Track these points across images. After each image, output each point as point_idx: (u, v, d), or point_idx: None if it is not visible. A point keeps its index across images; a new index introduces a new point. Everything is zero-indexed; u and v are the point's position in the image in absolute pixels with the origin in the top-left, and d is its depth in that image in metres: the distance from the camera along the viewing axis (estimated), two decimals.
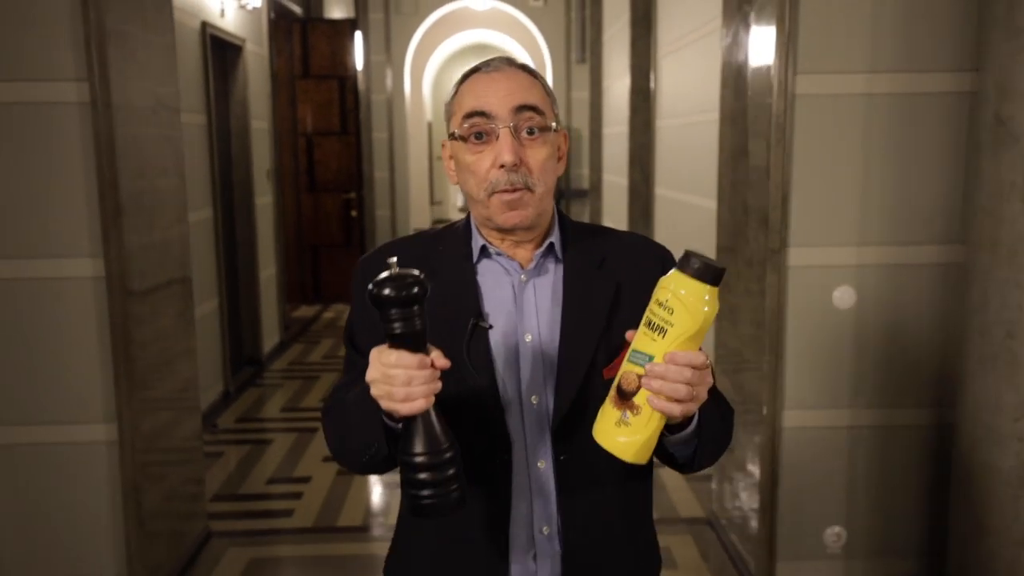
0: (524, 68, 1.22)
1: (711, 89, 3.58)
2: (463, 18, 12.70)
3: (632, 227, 5.81)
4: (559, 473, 1.19)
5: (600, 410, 1.08)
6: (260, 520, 3.49)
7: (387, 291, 0.99)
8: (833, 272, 2.66)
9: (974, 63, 2.46)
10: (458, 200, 16.16)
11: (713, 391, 1.17)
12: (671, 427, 1.12)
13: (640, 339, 1.04)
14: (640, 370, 1.03)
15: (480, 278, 1.23)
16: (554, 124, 1.21)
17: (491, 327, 1.20)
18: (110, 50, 2.51)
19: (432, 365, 1.03)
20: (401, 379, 1.01)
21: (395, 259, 1.02)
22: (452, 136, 1.22)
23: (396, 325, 1.00)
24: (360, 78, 7.97)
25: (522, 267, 1.24)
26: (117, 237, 2.58)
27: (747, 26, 2.85)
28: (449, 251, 1.25)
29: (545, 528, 1.21)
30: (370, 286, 1.00)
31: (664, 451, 1.17)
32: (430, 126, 15.03)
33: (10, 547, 2.67)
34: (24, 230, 2.56)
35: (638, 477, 1.24)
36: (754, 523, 2.85)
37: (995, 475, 2.34)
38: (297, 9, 7.58)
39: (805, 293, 2.66)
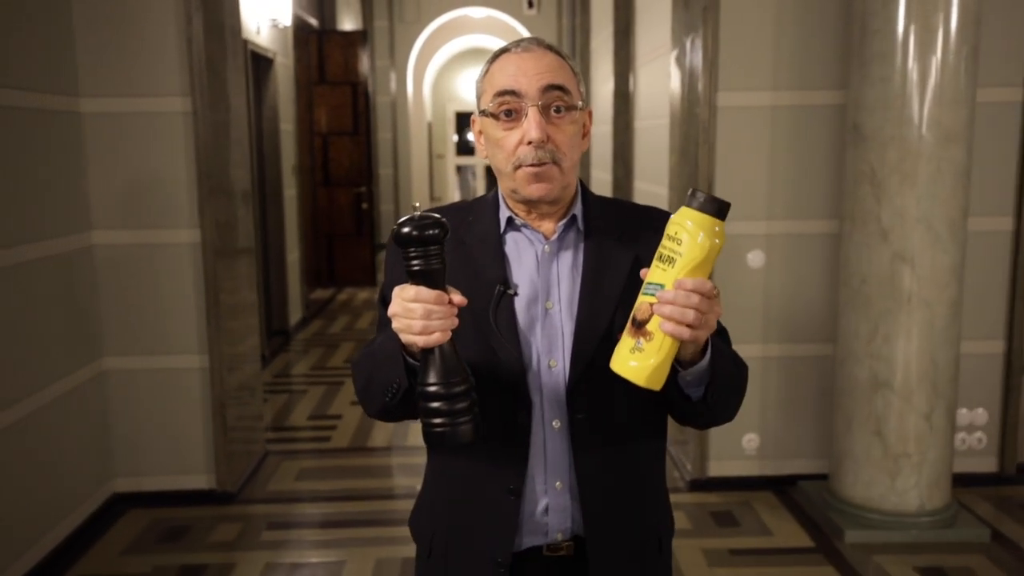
0: (552, 49, 1.27)
1: (667, 98, 4.45)
2: (461, 25, 13.54)
3: None
4: (574, 432, 1.25)
5: (618, 343, 1.13)
6: (305, 443, 4.36)
7: (409, 230, 1.07)
8: (747, 239, 3.53)
9: (842, 83, 3.34)
10: (452, 192, 17.00)
11: (726, 345, 1.28)
12: (685, 363, 1.17)
13: (653, 272, 1.10)
14: (652, 299, 1.08)
15: (507, 248, 1.30)
16: (580, 103, 1.26)
17: (516, 294, 1.26)
18: (206, 73, 3.37)
19: (450, 302, 1.10)
20: (419, 312, 1.08)
21: (418, 203, 1.13)
22: (483, 113, 1.28)
23: (416, 262, 1.08)
24: (368, 83, 8.83)
25: (546, 238, 1.30)
26: (208, 214, 3.44)
27: (684, 52, 3.72)
28: (478, 222, 1.32)
29: (558, 483, 1.27)
30: (394, 227, 1.09)
31: (681, 396, 1.21)
32: (430, 126, 15.88)
33: (126, 449, 3.53)
34: (144, 209, 3.42)
35: (649, 438, 1.32)
36: (689, 433, 3.73)
37: (856, 384, 3.23)
38: (314, 21, 8.43)
39: (727, 256, 3.52)
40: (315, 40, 8.41)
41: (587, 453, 1.26)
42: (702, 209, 1.06)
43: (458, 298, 1.11)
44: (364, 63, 8.72)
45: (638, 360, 1.09)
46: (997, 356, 3.64)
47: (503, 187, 1.30)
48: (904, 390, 3.13)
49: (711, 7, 3.42)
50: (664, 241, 1.09)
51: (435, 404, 1.10)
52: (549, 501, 1.27)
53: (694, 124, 3.59)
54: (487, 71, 1.28)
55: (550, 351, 1.26)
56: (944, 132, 3.00)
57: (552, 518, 1.27)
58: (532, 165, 1.22)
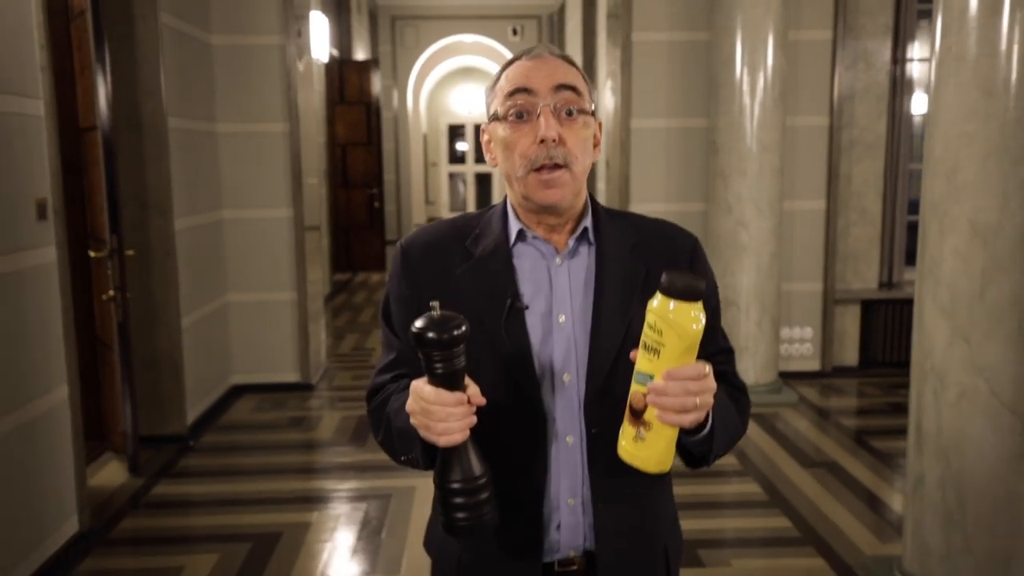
0: (564, 57, 1.26)
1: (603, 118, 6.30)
2: (454, 48, 15.39)
3: None
4: (590, 447, 1.24)
5: (621, 429, 1.13)
6: (353, 362, 6.16)
7: (430, 334, 1.04)
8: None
9: (705, 113, 5.19)
10: (444, 197, 18.83)
11: (725, 373, 1.30)
12: (686, 431, 1.14)
13: (640, 360, 1.09)
14: (644, 389, 1.07)
15: (517, 261, 1.27)
16: (592, 107, 1.25)
17: (527, 308, 1.24)
18: (296, 108, 5.19)
19: (468, 402, 1.09)
20: (439, 415, 1.07)
21: (437, 303, 1.08)
22: (494, 117, 1.26)
23: (437, 366, 1.06)
24: (379, 102, 10.66)
25: (557, 251, 1.27)
26: (298, 199, 5.25)
27: (611, 89, 5.56)
28: (487, 234, 1.29)
29: (571, 500, 1.25)
30: (413, 327, 1.06)
31: (681, 448, 1.20)
32: (425, 138, 17.71)
33: (241, 355, 5.33)
34: (255, 195, 5.22)
35: None
36: None
37: None
38: (335, 52, 10.27)
39: None
40: (336, 68, 10.24)
41: (601, 468, 1.24)
42: (680, 296, 1.05)
43: (477, 398, 1.10)
44: (376, 86, 10.55)
45: (644, 451, 1.10)
46: (818, 293, 5.50)
47: (513, 196, 1.28)
48: (743, 307, 4.96)
49: (626, 62, 5.28)
50: (646, 330, 1.07)
51: (457, 500, 1.10)
52: (561, 518, 1.26)
53: (616, 140, 5.44)
54: (499, 77, 1.27)
55: (564, 365, 1.24)
56: (763, 145, 4.84)
57: (564, 535, 1.26)
58: (544, 167, 1.20)
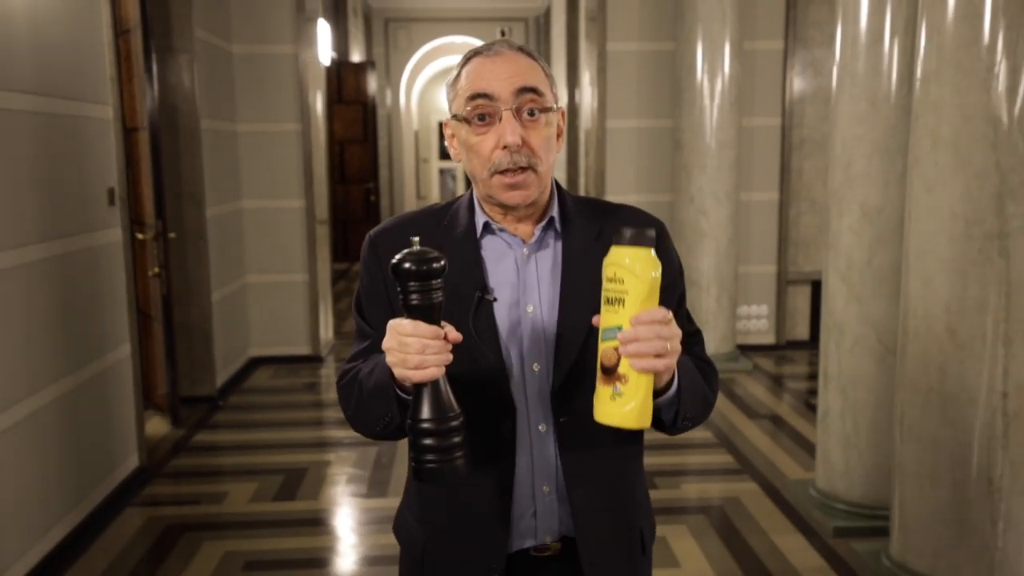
0: (523, 50, 1.25)
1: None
2: (445, 49, 16.01)
3: None
4: (560, 435, 1.25)
5: (595, 395, 1.13)
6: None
7: (408, 265, 1.05)
8: None
9: (672, 115, 5.85)
10: (435, 192, 19.46)
11: (695, 354, 1.31)
12: (656, 391, 1.15)
13: (605, 317, 1.10)
14: (615, 343, 1.09)
15: (484, 252, 1.28)
16: (553, 104, 1.24)
17: (495, 299, 1.25)
18: (308, 109, 5.83)
19: (445, 338, 1.09)
20: (415, 347, 1.07)
21: (417, 238, 1.09)
22: (455, 117, 1.25)
23: (414, 297, 1.06)
24: (374, 102, 11.29)
25: (524, 242, 1.28)
26: (310, 191, 5.89)
27: (589, 93, 6.22)
28: (454, 227, 1.30)
29: (546, 487, 1.27)
30: (393, 260, 1.06)
31: (654, 419, 1.19)
32: (416, 134, 18.33)
33: (258, 330, 5.96)
34: (271, 187, 5.86)
35: (631, 437, 1.31)
36: None
37: None
38: (334, 54, 10.88)
39: None
40: (335, 69, 10.85)
41: (574, 455, 1.26)
42: (633, 243, 1.08)
43: (453, 334, 1.10)
44: (371, 86, 11.18)
45: (621, 405, 1.10)
46: (772, 274, 6.18)
47: (479, 192, 1.28)
48: (704, 286, 5.63)
49: (602, 69, 5.94)
50: (606, 284, 1.10)
51: (428, 440, 1.09)
52: (537, 505, 1.27)
53: (593, 138, 6.10)
54: (458, 74, 1.26)
55: (533, 354, 1.25)
56: (721, 143, 5.51)
57: (540, 521, 1.28)
58: (508, 171, 1.20)
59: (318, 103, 6.20)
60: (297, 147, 5.86)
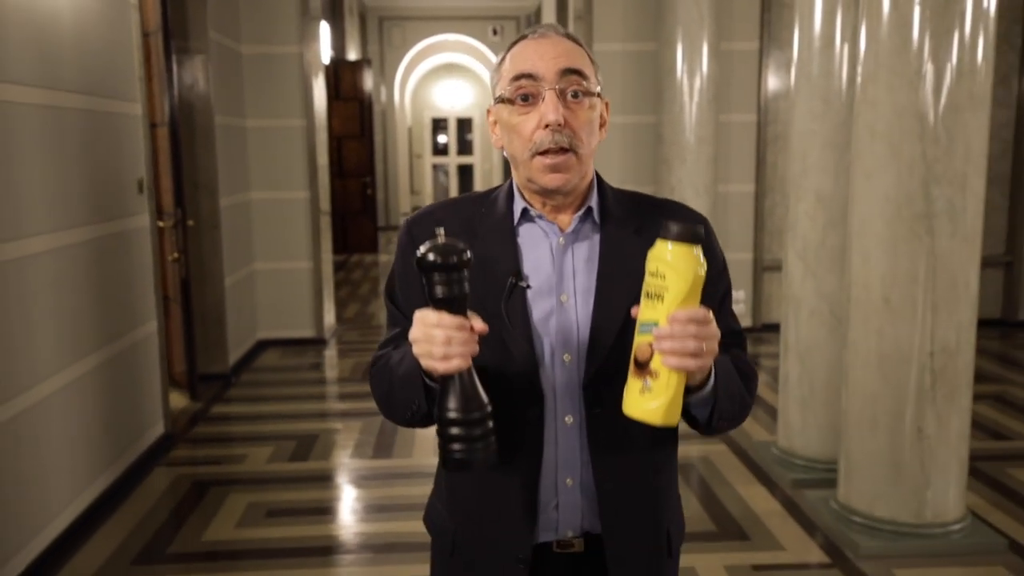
0: (569, 36, 1.25)
1: None
2: (437, 46, 16.39)
3: None
4: (590, 428, 1.24)
5: (626, 387, 1.12)
6: (356, 324, 7.17)
7: (433, 257, 1.07)
8: None
9: (656, 111, 6.24)
10: (428, 187, 19.83)
11: (734, 355, 1.29)
12: (690, 388, 1.14)
13: (644, 311, 1.10)
14: (650, 338, 1.08)
15: (520, 240, 1.27)
16: (598, 89, 1.24)
17: (529, 287, 1.24)
18: (312, 106, 6.19)
19: (471, 329, 1.09)
20: (441, 339, 1.07)
21: (442, 229, 1.10)
22: (499, 99, 1.25)
23: (439, 288, 1.08)
24: (370, 99, 11.65)
25: (561, 230, 1.27)
26: (314, 183, 6.26)
27: None
28: (492, 213, 1.29)
29: (569, 480, 1.26)
30: (418, 252, 1.08)
31: (687, 413, 1.20)
32: (410, 131, 18.69)
33: (266, 314, 6.33)
34: (278, 179, 6.22)
35: (663, 436, 1.28)
36: None
37: None
38: (332, 53, 11.23)
39: None
40: (332, 67, 11.21)
41: (602, 449, 1.24)
42: (678, 239, 1.06)
43: (479, 325, 1.11)
44: (367, 83, 11.54)
45: (650, 401, 1.09)
46: (749, 261, 6.57)
47: (518, 177, 1.27)
48: None
49: None
50: (647, 278, 1.09)
51: (454, 431, 1.11)
52: (560, 498, 1.26)
53: None
54: (504, 58, 1.26)
55: (565, 345, 1.24)
56: (699, 138, 5.90)
57: (562, 515, 1.27)
58: (549, 151, 1.19)
59: (321, 100, 6.56)
60: (302, 142, 6.23)
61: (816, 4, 3.59)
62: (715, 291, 1.27)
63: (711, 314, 1.08)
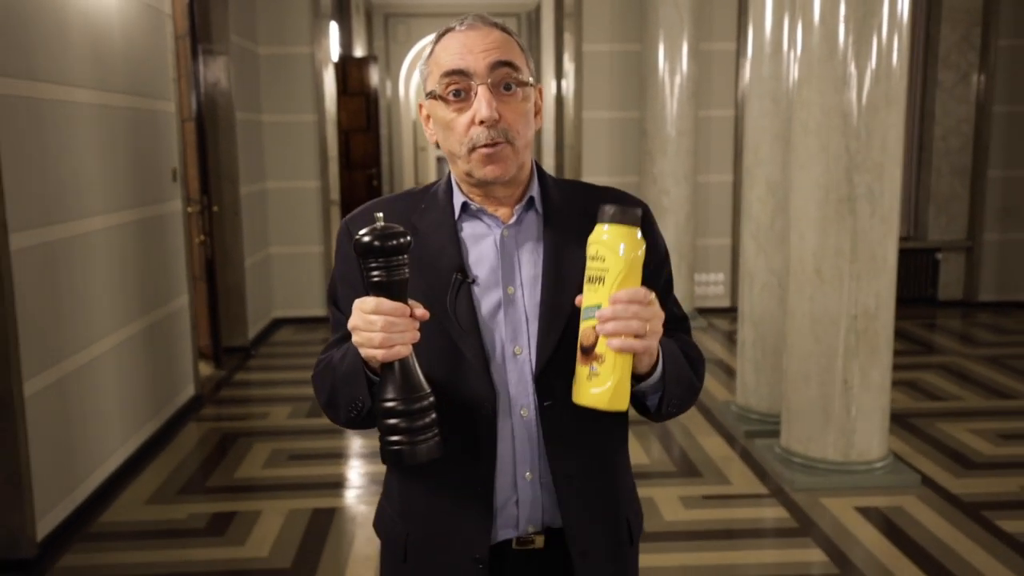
0: (497, 25, 1.23)
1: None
2: None
3: None
4: (543, 420, 1.23)
5: (574, 376, 1.12)
6: None
7: (371, 240, 1.04)
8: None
9: (639, 107, 6.74)
10: (432, 179, 20.29)
11: (680, 339, 1.29)
12: (639, 376, 1.15)
13: (587, 296, 1.10)
14: (594, 322, 1.08)
15: (463, 234, 1.26)
16: (530, 79, 1.22)
17: (474, 281, 1.23)
18: (323, 103, 6.71)
19: (412, 315, 1.07)
20: (380, 324, 1.05)
21: (381, 214, 1.08)
22: (431, 95, 1.23)
23: (376, 273, 1.05)
24: (376, 93, 12.18)
25: (503, 221, 1.26)
26: (325, 173, 6.79)
27: (567, 86, 7.10)
28: (432, 208, 1.28)
29: (528, 474, 1.24)
30: (356, 236, 1.06)
31: (637, 401, 1.21)
32: (415, 124, 19.20)
33: (281, 294, 6.87)
34: (291, 169, 6.75)
35: (616, 423, 1.29)
36: None
37: None
38: (340, 49, 11.75)
39: None
40: (341, 64, 11.73)
41: (557, 441, 1.23)
42: (615, 221, 1.08)
43: (420, 311, 1.09)
44: (374, 79, 12.06)
45: (597, 386, 1.09)
46: (727, 246, 7.09)
47: (456, 171, 1.26)
48: None
49: (579, 68, 6.83)
50: (588, 263, 1.09)
51: (393, 421, 1.07)
52: (519, 493, 1.25)
53: (572, 127, 7.00)
54: (432, 51, 1.24)
55: (515, 338, 1.23)
56: (679, 131, 6.41)
57: (523, 510, 1.25)
58: (486, 145, 1.18)
59: (330, 96, 7.08)
60: (313, 135, 6.76)
61: (767, 14, 4.11)
62: (657, 279, 1.27)
63: (653, 295, 1.09)
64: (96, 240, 3.63)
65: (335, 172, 7.21)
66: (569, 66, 7.41)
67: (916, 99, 7.15)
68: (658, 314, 1.10)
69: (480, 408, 1.22)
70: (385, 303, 1.07)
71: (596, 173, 6.91)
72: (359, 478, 3.86)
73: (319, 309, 6.94)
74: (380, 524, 1.38)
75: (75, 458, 3.39)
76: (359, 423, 1.21)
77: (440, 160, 21.25)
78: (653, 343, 1.11)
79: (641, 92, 6.58)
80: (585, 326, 1.10)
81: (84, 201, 3.52)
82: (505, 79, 1.20)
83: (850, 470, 3.56)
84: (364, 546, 3.17)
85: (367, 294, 1.09)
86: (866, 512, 3.37)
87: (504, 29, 1.23)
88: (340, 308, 1.29)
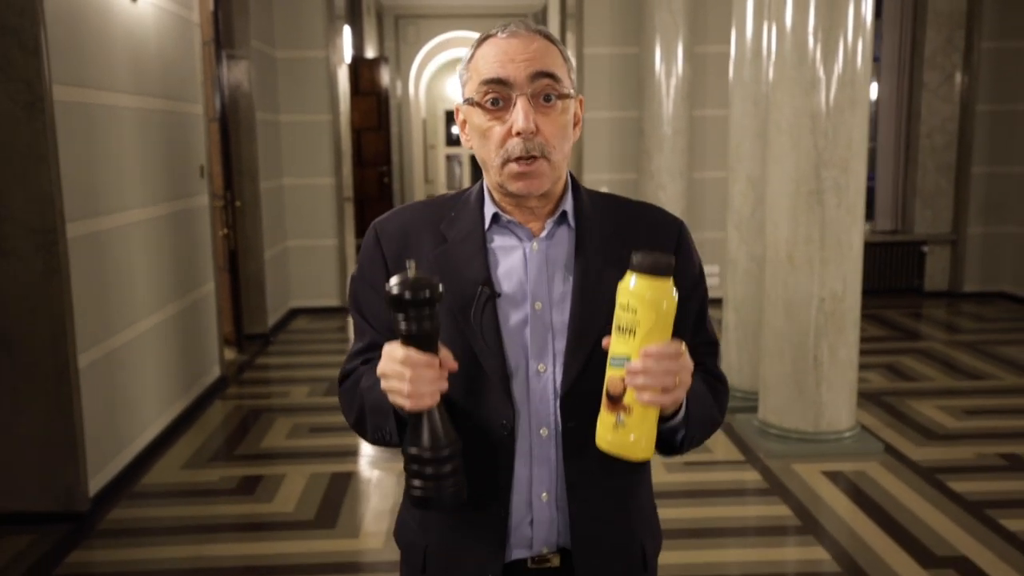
0: (540, 32, 1.20)
1: None
2: (450, 42, 17.25)
3: None
4: (566, 441, 1.20)
5: (598, 420, 1.10)
6: None
7: (403, 292, 1.04)
8: (600, 183, 7.28)
9: (638, 107, 7.09)
10: (442, 177, 20.74)
11: (706, 370, 1.27)
12: (662, 418, 1.13)
13: (615, 344, 1.08)
14: (622, 372, 1.06)
15: (491, 245, 1.23)
16: (571, 91, 1.19)
17: (500, 295, 1.20)
18: (338, 103, 7.09)
19: (440, 366, 1.07)
20: (409, 377, 1.05)
21: (413, 262, 1.07)
22: (468, 101, 1.21)
23: (409, 325, 1.06)
24: (387, 93, 12.56)
25: (534, 235, 1.23)
26: (339, 170, 7.16)
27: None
28: (462, 217, 1.25)
29: (544, 495, 1.22)
30: (387, 286, 1.06)
31: (658, 438, 1.17)
32: (424, 123, 19.60)
33: (298, 285, 7.25)
34: (307, 167, 7.13)
35: None
36: None
37: None
38: (352, 51, 12.13)
39: None
40: (353, 65, 12.12)
41: (577, 463, 1.21)
42: (649, 272, 1.05)
43: (450, 363, 1.09)
44: (384, 79, 12.44)
45: (623, 436, 1.08)
46: (722, 239, 7.42)
47: (489, 180, 1.24)
48: None
49: (580, 68, 7.18)
50: (618, 311, 1.07)
51: (418, 468, 1.09)
52: (534, 514, 1.23)
53: None
54: (472, 57, 1.22)
55: (539, 355, 1.20)
56: (675, 130, 6.75)
57: (537, 531, 1.23)
58: (520, 160, 1.15)
59: (343, 97, 7.46)
60: (328, 134, 7.13)
61: (748, 22, 4.46)
62: (688, 307, 1.24)
63: (684, 346, 1.08)
64: (136, 231, 4.01)
65: (349, 169, 7.58)
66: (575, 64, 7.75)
67: (903, 99, 7.48)
68: (687, 366, 1.09)
69: (499, 425, 1.20)
70: (414, 355, 1.06)
71: (597, 170, 7.26)
72: (373, 448, 4.23)
73: (333, 299, 7.32)
74: (400, 533, 1.37)
75: (120, 425, 3.77)
76: (387, 445, 1.23)
77: (450, 158, 21.67)
78: (681, 395, 1.10)
79: (639, 93, 6.92)
80: (612, 374, 1.09)
81: (126, 195, 3.90)
82: (545, 90, 1.17)
83: (820, 439, 3.91)
84: (379, 503, 3.54)
85: (395, 338, 1.09)
86: (833, 476, 3.72)
87: (548, 36, 1.20)
88: (364, 315, 1.30)
